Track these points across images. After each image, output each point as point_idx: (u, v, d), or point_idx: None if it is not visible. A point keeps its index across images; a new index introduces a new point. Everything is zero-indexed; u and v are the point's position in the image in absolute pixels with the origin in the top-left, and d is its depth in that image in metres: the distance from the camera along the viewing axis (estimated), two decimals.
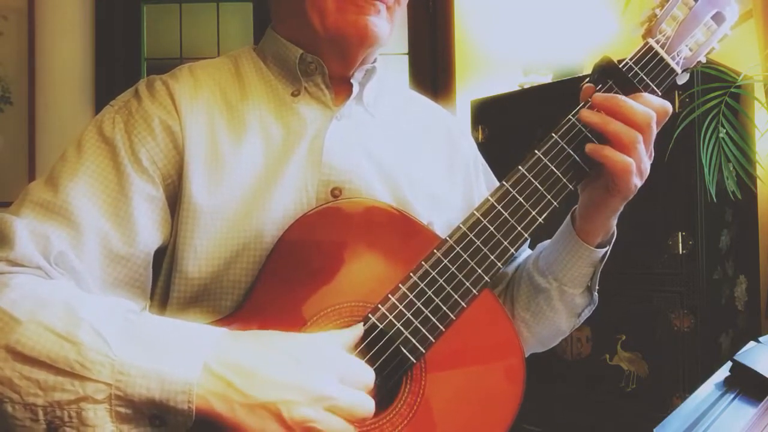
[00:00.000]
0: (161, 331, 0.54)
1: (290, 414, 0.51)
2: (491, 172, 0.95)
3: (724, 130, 1.55)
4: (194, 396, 0.50)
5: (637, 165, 0.68)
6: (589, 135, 0.70)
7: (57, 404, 0.50)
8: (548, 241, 0.83)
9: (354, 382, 0.56)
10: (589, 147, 0.68)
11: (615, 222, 0.77)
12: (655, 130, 0.69)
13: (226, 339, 0.55)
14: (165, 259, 0.73)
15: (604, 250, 0.78)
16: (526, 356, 0.72)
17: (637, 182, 0.69)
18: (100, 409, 0.50)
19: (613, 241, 0.79)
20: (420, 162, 0.84)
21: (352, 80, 0.79)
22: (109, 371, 0.50)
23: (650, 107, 0.68)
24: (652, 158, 0.72)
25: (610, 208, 0.73)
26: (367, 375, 0.58)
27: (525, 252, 0.92)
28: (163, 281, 0.73)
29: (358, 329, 0.62)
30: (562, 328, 0.83)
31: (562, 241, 0.78)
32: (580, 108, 0.71)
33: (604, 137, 0.68)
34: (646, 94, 0.70)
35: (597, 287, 0.82)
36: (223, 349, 0.53)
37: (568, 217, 0.79)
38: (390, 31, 0.77)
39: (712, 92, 1.54)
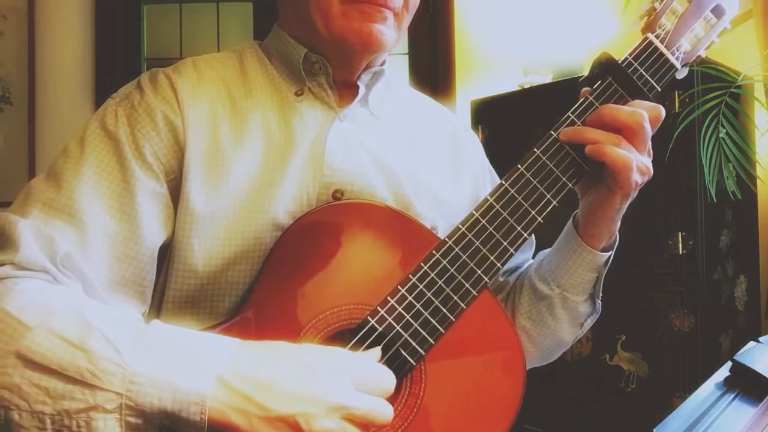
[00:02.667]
0: (173, 341, 0.54)
1: (309, 426, 0.51)
2: (496, 174, 0.94)
3: (724, 130, 1.55)
4: (207, 407, 0.50)
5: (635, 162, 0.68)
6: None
7: (66, 413, 0.49)
8: (549, 249, 0.82)
9: (371, 387, 0.56)
10: (589, 148, 0.67)
11: (618, 224, 0.76)
12: (648, 129, 0.68)
13: (240, 350, 0.54)
14: (164, 256, 0.71)
15: (608, 254, 0.77)
16: (527, 369, 0.71)
17: (638, 179, 0.69)
18: (110, 419, 0.49)
19: (616, 245, 0.78)
20: (424, 164, 0.82)
21: (358, 82, 0.78)
22: (120, 380, 0.49)
23: (641, 108, 0.68)
24: (651, 155, 0.71)
25: (613, 207, 0.72)
26: (384, 379, 0.58)
27: (526, 262, 0.91)
28: (162, 279, 0.72)
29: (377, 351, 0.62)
30: (565, 338, 0.82)
31: (565, 246, 0.78)
32: (579, 105, 0.71)
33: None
34: (636, 101, 0.70)
35: (600, 295, 0.81)
36: (238, 361, 0.53)
37: (570, 222, 0.79)
38: (397, 38, 0.75)
39: (712, 92, 1.54)
